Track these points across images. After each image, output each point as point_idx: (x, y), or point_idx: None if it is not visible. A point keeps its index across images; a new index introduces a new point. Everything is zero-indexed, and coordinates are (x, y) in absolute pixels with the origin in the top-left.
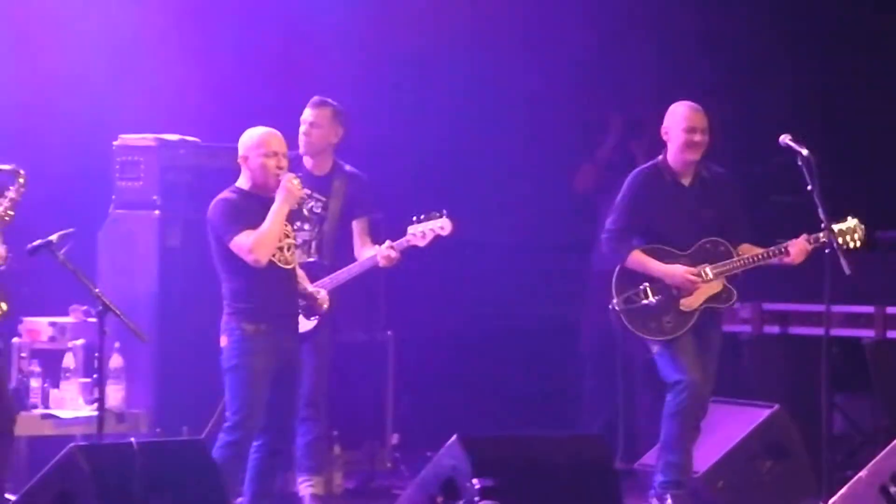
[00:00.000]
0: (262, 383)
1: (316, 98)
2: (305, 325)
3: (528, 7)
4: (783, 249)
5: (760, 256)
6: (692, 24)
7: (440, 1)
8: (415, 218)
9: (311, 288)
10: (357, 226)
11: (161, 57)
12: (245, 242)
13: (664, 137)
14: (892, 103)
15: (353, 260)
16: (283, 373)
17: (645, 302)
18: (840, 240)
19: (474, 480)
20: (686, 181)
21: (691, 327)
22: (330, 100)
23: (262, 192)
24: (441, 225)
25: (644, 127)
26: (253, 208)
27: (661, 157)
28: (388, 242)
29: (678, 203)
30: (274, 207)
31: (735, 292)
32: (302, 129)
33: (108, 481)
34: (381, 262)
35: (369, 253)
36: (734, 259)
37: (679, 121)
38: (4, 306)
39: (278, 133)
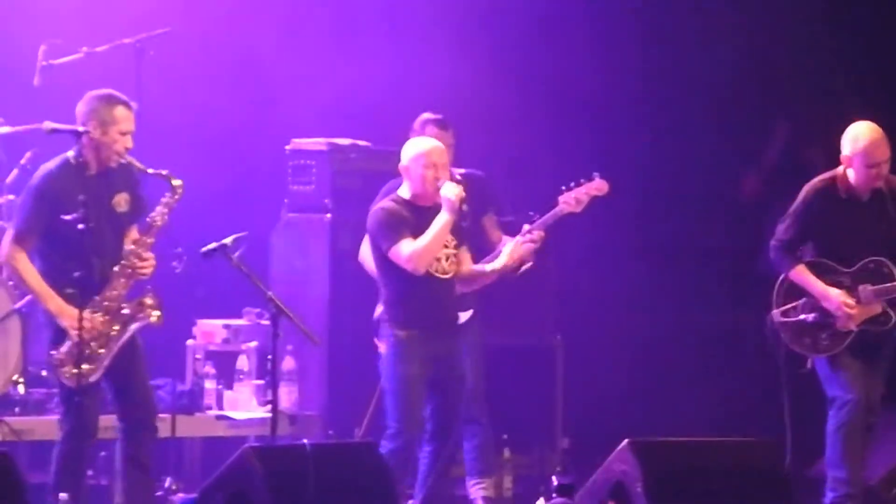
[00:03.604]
0: (418, 389)
1: (438, 118)
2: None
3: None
4: None
5: None
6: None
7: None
8: (563, 188)
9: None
10: (488, 221)
11: (334, 61)
12: (403, 252)
13: (844, 162)
14: None
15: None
16: (445, 378)
17: (802, 317)
18: None
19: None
20: (865, 196)
21: (851, 343)
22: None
23: (422, 201)
24: (597, 186)
25: (818, 133)
26: (412, 217)
27: (840, 170)
28: (526, 227)
29: (851, 218)
30: (438, 218)
31: (894, 316)
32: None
33: (281, 483)
34: (528, 247)
35: (511, 242)
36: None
37: (863, 156)
38: (160, 312)
39: (441, 145)
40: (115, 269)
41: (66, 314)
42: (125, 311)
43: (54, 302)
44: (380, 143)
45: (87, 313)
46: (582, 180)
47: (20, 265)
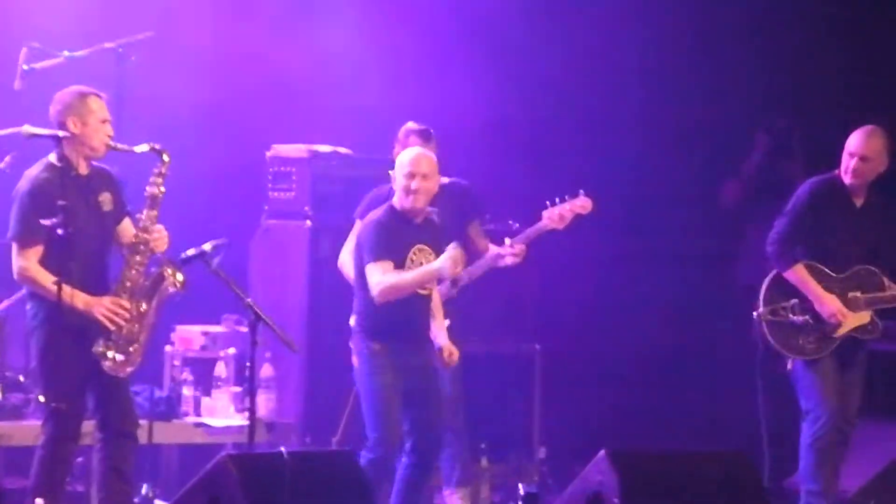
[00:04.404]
0: (394, 398)
1: (422, 129)
2: None
3: (675, 19)
4: None
5: None
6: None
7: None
8: (548, 203)
9: (444, 342)
10: (473, 230)
11: (316, 67)
12: (375, 278)
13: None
14: None
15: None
16: (421, 390)
17: (791, 318)
18: None
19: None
20: (858, 202)
21: (833, 350)
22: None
23: (409, 213)
24: (581, 203)
25: (795, 147)
26: (401, 229)
27: (837, 171)
28: (508, 241)
29: (846, 222)
30: (428, 267)
31: (880, 325)
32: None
33: (258, 491)
34: (509, 261)
35: (495, 249)
36: (887, 294)
37: (846, 144)
38: (181, 276)
39: (425, 154)
40: (125, 252)
41: (96, 304)
42: (147, 286)
43: (80, 299)
44: (361, 151)
45: (109, 299)
46: (567, 197)
47: (34, 274)
